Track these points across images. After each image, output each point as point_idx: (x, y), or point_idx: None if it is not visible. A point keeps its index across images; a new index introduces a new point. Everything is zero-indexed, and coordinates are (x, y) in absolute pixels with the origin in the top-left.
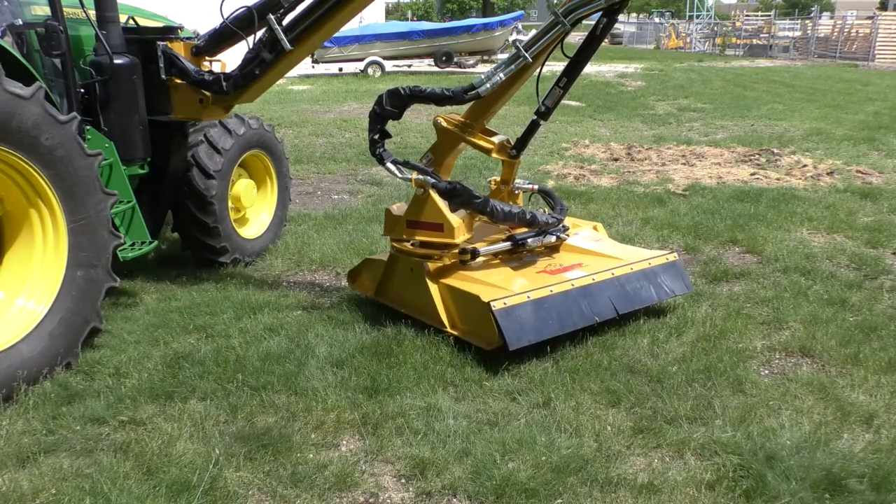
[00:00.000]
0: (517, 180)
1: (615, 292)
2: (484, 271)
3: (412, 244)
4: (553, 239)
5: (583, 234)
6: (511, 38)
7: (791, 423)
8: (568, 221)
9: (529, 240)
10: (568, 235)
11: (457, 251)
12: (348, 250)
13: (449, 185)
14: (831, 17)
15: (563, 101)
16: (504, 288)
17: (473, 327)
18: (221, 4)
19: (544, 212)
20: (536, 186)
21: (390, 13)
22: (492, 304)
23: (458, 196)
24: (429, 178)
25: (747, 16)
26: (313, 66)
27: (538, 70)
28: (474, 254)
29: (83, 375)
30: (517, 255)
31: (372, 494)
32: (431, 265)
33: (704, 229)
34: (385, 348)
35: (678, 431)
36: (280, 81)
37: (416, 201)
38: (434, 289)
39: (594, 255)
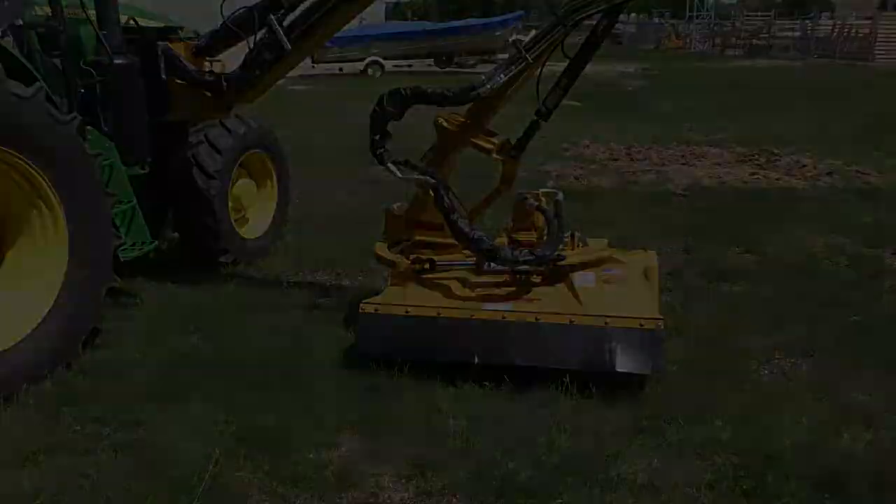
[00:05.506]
0: (529, 200)
1: (524, 338)
2: (428, 280)
3: (395, 248)
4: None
5: (608, 272)
6: (511, 39)
7: (791, 423)
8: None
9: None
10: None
11: (410, 259)
12: (348, 250)
13: (434, 183)
14: (831, 18)
15: (563, 101)
16: (399, 297)
17: None
18: (222, 4)
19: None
20: (538, 204)
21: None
22: (362, 305)
23: (437, 197)
24: (429, 178)
25: (747, 16)
26: (313, 66)
27: (539, 71)
28: (432, 264)
29: (83, 375)
30: (489, 272)
31: (372, 494)
32: (397, 269)
33: (704, 229)
34: None
35: (678, 431)
36: (280, 81)
37: (418, 201)
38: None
39: (566, 296)
